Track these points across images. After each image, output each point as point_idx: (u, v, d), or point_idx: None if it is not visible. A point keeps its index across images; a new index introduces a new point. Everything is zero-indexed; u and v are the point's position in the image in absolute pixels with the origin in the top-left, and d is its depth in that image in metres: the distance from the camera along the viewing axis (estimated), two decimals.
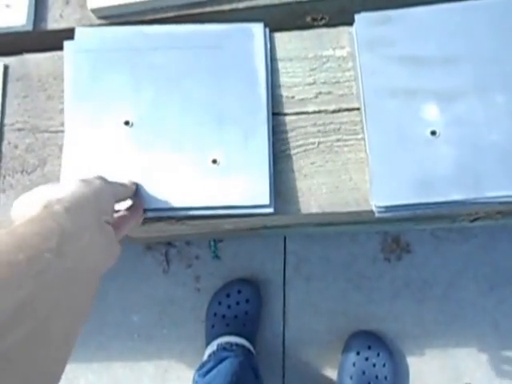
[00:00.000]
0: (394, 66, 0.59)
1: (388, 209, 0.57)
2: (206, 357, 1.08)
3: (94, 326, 1.21)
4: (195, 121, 0.61)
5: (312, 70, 0.64)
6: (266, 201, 0.58)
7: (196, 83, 0.63)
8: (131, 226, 0.55)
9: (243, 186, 0.58)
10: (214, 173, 0.59)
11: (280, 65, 0.65)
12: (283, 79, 0.65)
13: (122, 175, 0.59)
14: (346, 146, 0.62)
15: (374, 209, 0.58)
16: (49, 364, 0.37)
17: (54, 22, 0.71)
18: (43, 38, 0.72)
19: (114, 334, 1.21)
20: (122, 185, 0.55)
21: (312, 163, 0.62)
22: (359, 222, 0.85)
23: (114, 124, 0.62)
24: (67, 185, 0.46)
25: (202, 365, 1.03)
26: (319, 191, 0.61)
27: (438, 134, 0.57)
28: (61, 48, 0.67)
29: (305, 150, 0.62)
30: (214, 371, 0.98)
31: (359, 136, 0.62)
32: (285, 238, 1.20)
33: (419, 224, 0.98)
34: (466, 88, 0.58)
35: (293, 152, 0.62)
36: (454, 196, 0.56)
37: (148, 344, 1.20)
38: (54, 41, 0.68)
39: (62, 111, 0.66)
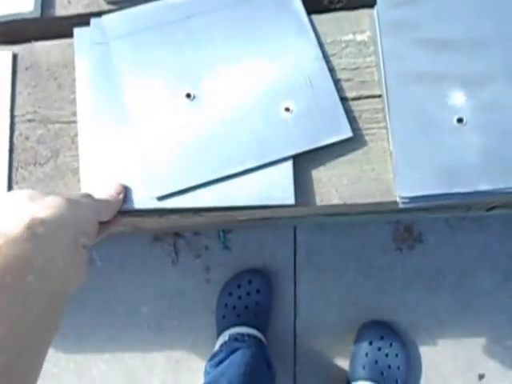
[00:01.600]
0: (418, 50, 0.55)
1: (412, 199, 0.53)
2: (217, 347, 1.07)
3: (104, 318, 1.19)
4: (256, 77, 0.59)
5: (331, 55, 0.60)
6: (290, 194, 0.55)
7: (242, 41, 0.60)
8: (108, 233, 0.55)
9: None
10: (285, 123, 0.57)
11: None
12: None
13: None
14: (368, 134, 0.58)
15: (397, 200, 0.54)
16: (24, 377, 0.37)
17: (62, 9, 0.68)
18: (51, 25, 0.68)
19: (124, 325, 1.19)
20: (107, 202, 0.53)
21: (332, 153, 0.58)
22: (375, 212, 0.81)
23: (175, 99, 0.59)
24: (51, 202, 0.44)
25: (214, 355, 1.02)
26: (340, 182, 0.57)
27: (464, 121, 0.53)
28: (70, 35, 0.64)
29: None
30: (227, 362, 0.96)
31: (381, 124, 0.58)
32: (295, 228, 1.17)
33: (433, 213, 0.94)
34: (494, 72, 0.54)
35: None
36: (481, 186, 0.53)
37: (159, 335, 1.18)
38: (62, 28, 0.65)
39: (72, 101, 0.63)
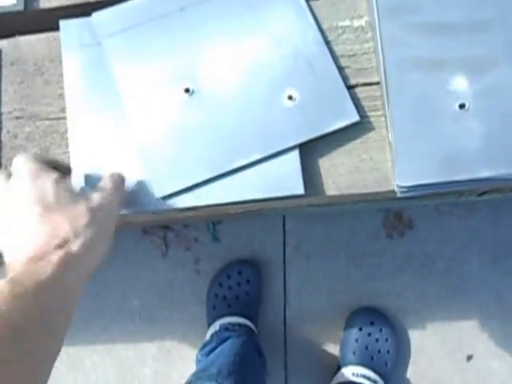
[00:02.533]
0: (417, 35, 0.52)
1: (411, 188, 0.50)
2: (208, 337, 1.05)
3: (94, 310, 1.17)
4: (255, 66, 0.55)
5: (327, 42, 0.56)
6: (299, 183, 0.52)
7: (239, 29, 0.56)
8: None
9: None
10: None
11: None
12: None
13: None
14: (366, 123, 0.55)
15: (396, 189, 0.51)
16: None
17: (46, 1, 0.63)
18: (36, 18, 0.64)
19: (115, 318, 1.17)
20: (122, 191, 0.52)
21: (329, 143, 0.54)
22: (368, 200, 0.78)
23: (174, 95, 0.55)
24: (80, 217, 0.45)
25: (205, 345, 1.01)
26: (337, 172, 0.54)
27: (466, 107, 0.50)
28: (56, 28, 0.59)
29: None
30: (217, 350, 0.95)
31: (379, 112, 0.55)
32: (284, 218, 1.14)
33: (423, 200, 0.92)
34: (497, 56, 0.51)
35: None
36: (482, 173, 0.50)
37: (150, 326, 1.16)
38: (47, 20, 0.61)
39: (60, 96, 0.59)
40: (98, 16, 0.58)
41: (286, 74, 0.55)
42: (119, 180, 0.50)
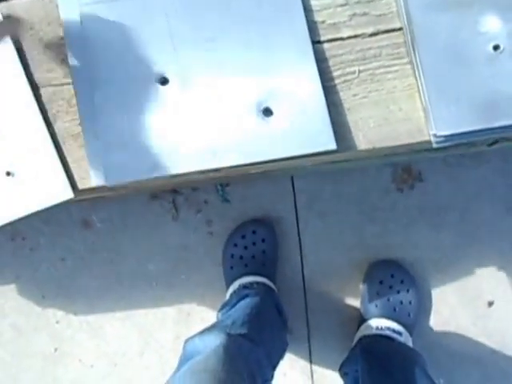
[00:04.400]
0: None
1: (449, 137, 0.48)
2: (228, 296, 1.04)
3: (111, 279, 1.15)
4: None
5: None
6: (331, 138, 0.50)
7: (228, 18, 0.52)
8: None
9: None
10: (264, 125, 0.49)
11: None
12: (311, 1, 0.54)
13: None
14: (390, 72, 0.52)
15: (432, 139, 0.49)
16: None
17: None
18: None
19: (132, 284, 1.16)
20: None
21: (354, 95, 0.51)
22: (389, 155, 0.76)
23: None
24: None
25: (225, 304, 0.99)
26: (367, 126, 0.51)
27: (501, 48, 0.47)
28: None
29: (344, 81, 0.52)
30: (236, 307, 0.94)
31: (404, 60, 0.52)
32: (292, 178, 1.12)
33: (432, 152, 0.89)
34: None
35: (330, 84, 0.52)
36: None
37: (168, 291, 1.15)
38: None
39: (62, 61, 0.55)
40: None
41: (265, 86, 0.51)
42: None
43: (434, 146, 0.49)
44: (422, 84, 0.48)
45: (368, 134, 0.51)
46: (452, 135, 0.47)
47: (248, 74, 0.51)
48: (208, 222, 1.15)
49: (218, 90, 0.51)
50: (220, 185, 1.15)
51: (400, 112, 0.51)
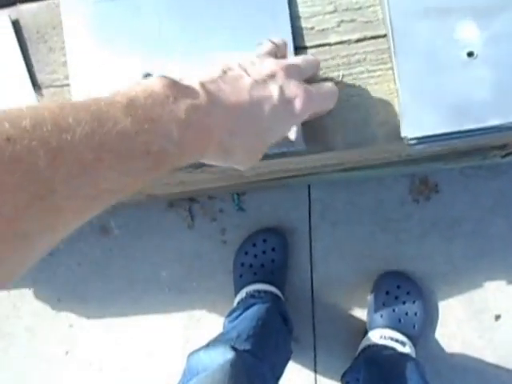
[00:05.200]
0: None
1: (421, 140, 0.49)
2: (235, 304, 1.06)
3: (124, 283, 1.19)
4: None
5: None
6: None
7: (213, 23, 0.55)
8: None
9: None
10: None
11: None
12: (301, 9, 0.56)
13: None
14: (373, 77, 0.53)
15: (405, 142, 0.50)
16: None
17: None
18: None
19: (145, 290, 1.19)
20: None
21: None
22: (387, 163, 0.77)
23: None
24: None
25: (232, 311, 1.01)
26: (344, 128, 0.53)
27: (475, 55, 0.48)
28: None
29: None
30: (242, 316, 0.96)
31: (387, 65, 0.53)
32: (309, 187, 1.13)
33: (448, 163, 0.90)
34: (506, 1, 0.49)
35: None
36: (491, 121, 0.47)
37: (179, 297, 1.18)
38: None
39: (64, 64, 0.59)
40: None
41: None
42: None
43: (408, 149, 0.50)
44: (398, 88, 0.50)
45: (345, 136, 0.52)
46: (423, 137, 0.48)
47: None
48: (222, 231, 1.17)
49: None
50: (236, 193, 1.18)
51: (378, 116, 0.52)
